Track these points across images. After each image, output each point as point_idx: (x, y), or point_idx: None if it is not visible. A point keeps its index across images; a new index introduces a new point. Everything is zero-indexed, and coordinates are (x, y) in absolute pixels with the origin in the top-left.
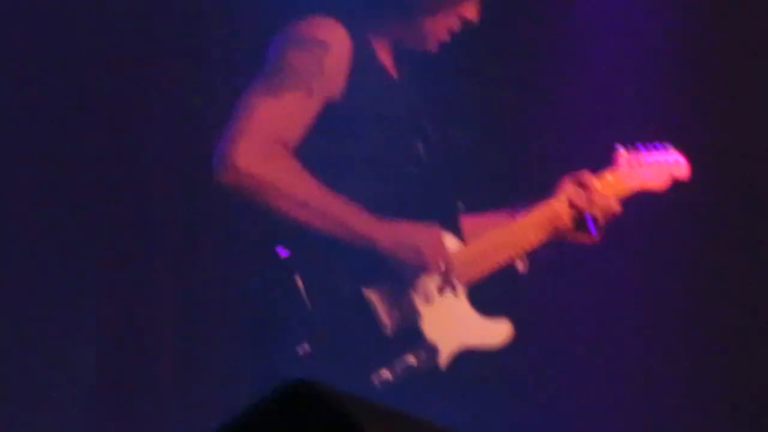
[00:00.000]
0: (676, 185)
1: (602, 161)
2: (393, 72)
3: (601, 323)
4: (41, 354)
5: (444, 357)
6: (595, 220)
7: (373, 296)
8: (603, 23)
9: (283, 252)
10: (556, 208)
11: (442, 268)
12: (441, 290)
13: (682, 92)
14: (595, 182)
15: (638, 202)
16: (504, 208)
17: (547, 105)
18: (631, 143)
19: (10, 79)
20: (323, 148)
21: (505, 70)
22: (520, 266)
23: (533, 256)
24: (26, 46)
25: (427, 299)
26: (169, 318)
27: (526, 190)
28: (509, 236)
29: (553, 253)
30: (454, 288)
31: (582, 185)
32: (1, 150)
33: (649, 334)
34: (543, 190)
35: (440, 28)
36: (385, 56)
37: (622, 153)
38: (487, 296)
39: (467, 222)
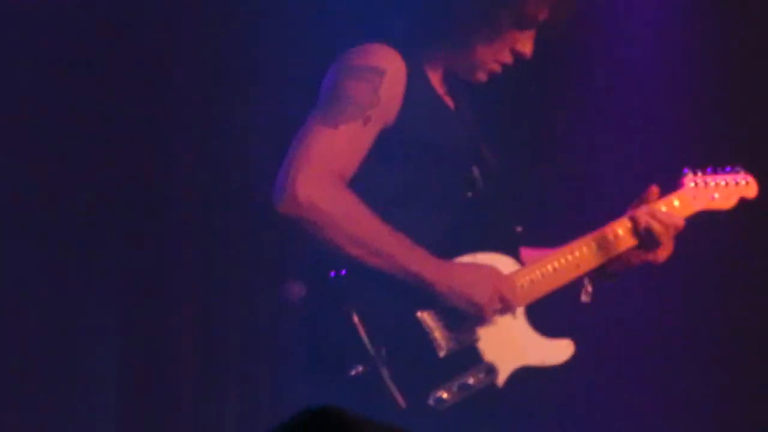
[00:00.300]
0: (744, 203)
1: (669, 186)
2: (446, 99)
3: (663, 348)
4: (65, 363)
5: (502, 376)
6: (656, 236)
7: (428, 319)
8: (658, 44)
9: (335, 273)
10: (617, 227)
11: (498, 312)
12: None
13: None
14: (660, 204)
15: (703, 220)
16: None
17: (610, 130)
18: (700, 167)
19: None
20: (378, 176)
21: (559, 99)
22: (584, 297)
23: (597, 282)
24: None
25: (485, 321)
26: (235, 343)
27: (589, 217)
28: (569, 258)
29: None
30: (513, 311)
31: (646, 202)
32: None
33: (712, 361)
34: (607, 216)
35: (493, 59)
36: (437, 84)
37: (689, 176)
38: (548, 317)
39: (526, 254)
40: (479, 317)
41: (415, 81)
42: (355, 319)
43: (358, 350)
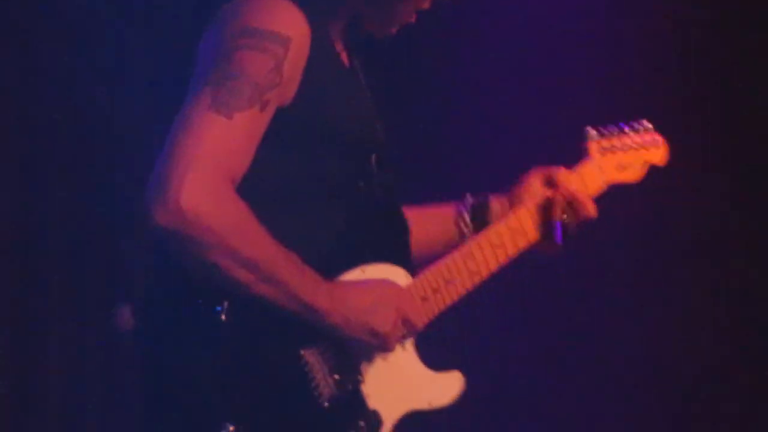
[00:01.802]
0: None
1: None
2: (344, 61)
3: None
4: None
5: (387, 427)
6: (565, 227)
7: (312, 358)
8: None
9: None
10: (521, 219)
11: (402, 339)
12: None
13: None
14: (567, 180)
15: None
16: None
17: (507, 99)
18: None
19: None
20: (261, 167)
21: (452, 63)
22: None
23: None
24: None
25: (372, 357)
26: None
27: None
28: (467, 262)
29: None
30: (416, 335)
31: (553, 185)
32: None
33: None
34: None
35: (414, 7)
36: (339, 44)
37: (594, 139)
38: (436, 343)
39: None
40: (381, 348)
41: (319, 49)
42: (228, 353)
43: (228, 405)
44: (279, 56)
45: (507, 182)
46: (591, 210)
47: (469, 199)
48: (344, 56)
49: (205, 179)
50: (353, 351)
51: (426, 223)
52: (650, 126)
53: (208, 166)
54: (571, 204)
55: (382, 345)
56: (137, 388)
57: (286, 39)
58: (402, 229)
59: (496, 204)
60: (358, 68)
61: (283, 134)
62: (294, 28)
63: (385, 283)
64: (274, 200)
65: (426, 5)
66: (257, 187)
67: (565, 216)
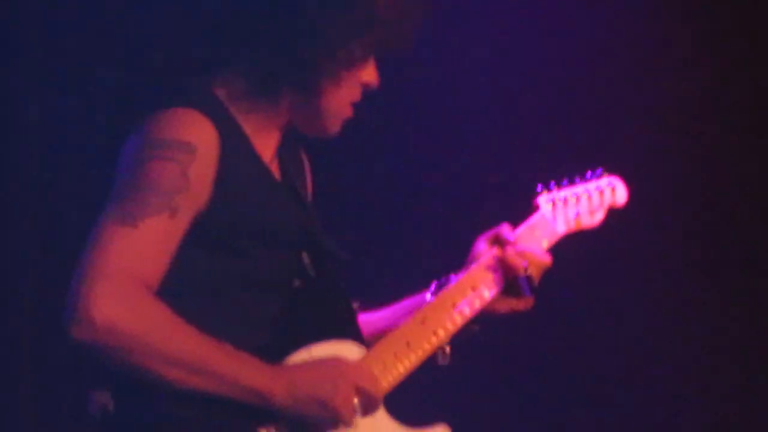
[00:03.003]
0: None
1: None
2: (273, 168)
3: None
4: None
5: None
6: (530, 279)
7: None
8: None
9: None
10: (474, 277)
11: (360, 411)
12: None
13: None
14: (514, 234)
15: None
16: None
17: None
18: (554, 180)
19: None
20: (190, 267)
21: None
22: (441, 360)
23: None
24: None
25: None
26: None
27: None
28: (423, 326)
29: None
30: (377, 405)
31: (502, 243)
32: None
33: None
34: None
35: (348, 101)
36: (265, 150)
37: (544, 194)
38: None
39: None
40: (337, 422)
41: (234, 155)
42: None
43: None
44: (184, 163)
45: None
46: (544, 258)
47: (434, 283)
48: (274, 163)
49: (113, 288)
50: (316, 426)
51: (395, 317)
52: (601, 171)
53: (115, 276)
54: (525, 256)
55: (336, 417)
56: None
57: (191, 147)
58: (349, 315)
59: (456, 279)
60: (292, 173)
61: (204, 237)
62: (201, 136)
63: (332, 359)
64: (203, 301)
65: (357, 97)
66: (184, 290)
67: (526, 267)
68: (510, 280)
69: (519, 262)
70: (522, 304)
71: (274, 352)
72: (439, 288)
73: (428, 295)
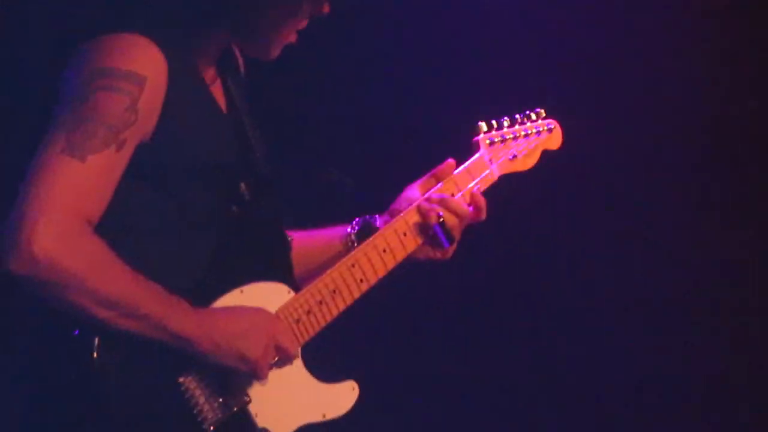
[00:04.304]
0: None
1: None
2: (216, 95)
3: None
4: None
5: None
6: (445, 229)
7: (191, 384)
8: None
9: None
10: (402, 224)
11: (274, 365)
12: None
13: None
14: (451, 185)
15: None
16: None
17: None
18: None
19: None
20: (131, 198)
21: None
22: None
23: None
24: None
25: (260, 378)
26: None
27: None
28: (349, 274)
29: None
30: (290, 360)
31: (439, 179)
32: None
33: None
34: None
35: (293, 28)
36: (209, 74)
37: (484, 132)
38: (326, 354)
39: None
40: (252, 374)
41: (180, 83)
42: (104, 390)
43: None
44: (134, 95)
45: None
46: (464, 209)
47: (357, 220)
48: (216, 86)
49: (56, 223)
50: (237, 373)
51: (312, 244)
52: (542, 112)
53: (59, 210)
54: (446, 205)
55: (252, 371)
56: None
57: (141, 78)
58: (283, 248)
59: (382, 221)
60: (235, 94)
61: (145, 168)
62: (150, 65)
63: (258, 311)
64: (141, 233)
65: (303, 25)
66: (124, 221)
67: (441, 218)
68: (429, 229)
69: (433, 211)
70: (438, 253)
71: (207, 291)
72: (364, 226)
73: (350, 232)
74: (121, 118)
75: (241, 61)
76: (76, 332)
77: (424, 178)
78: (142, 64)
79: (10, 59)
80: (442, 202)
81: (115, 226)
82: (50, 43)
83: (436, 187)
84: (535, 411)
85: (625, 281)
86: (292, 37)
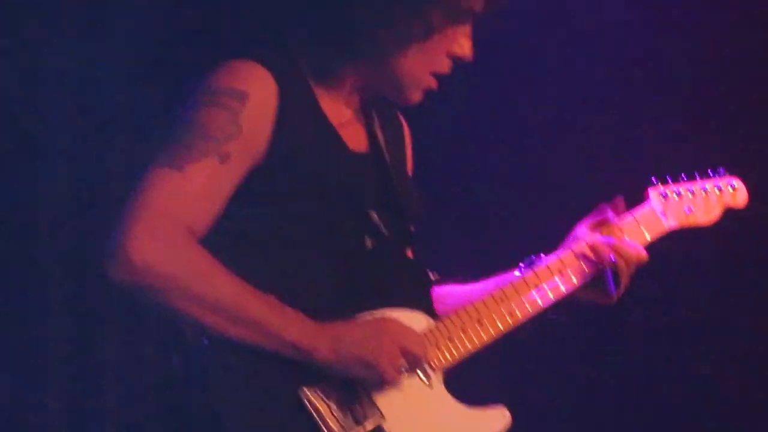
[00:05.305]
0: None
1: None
2: (352, 131)
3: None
4: None
5: None
6: (616, 274)
7: (314, 397)
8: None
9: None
10: (565, 262)
11: (403, 370)
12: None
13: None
14: (620, 229)
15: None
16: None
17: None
18: (671, 174)
19: None
20: (253, 222)
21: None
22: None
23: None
24: None
25: (390, 386)
26: None
27: (532, 246)
28: (500, 307)
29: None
30: (428, 378)
31: (602, 228)
32: None
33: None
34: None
35: (428, 70)
36: (343, 109)
37: (656, 187)
38: (474, 380)
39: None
40: (380, 381)
41: (295, 109)
42: (219, 406)
43: None
44: (234, 109)
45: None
46: (640, 254)
47: (523, 264)
48: (352, 123)
49: (153, 229)
50: (367, 388)
51: (475, 288)
52: (723, 171)
53: (156, 217)
54: (619, 249)
55: (379, 376)
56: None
57: (242, 93)
58: (422, 283)
59: (546, 260)
60: (380, 133)
61: (263, 192)
62: (254, 84)
63: (380, 318)
64: (264, 258)
65: (442, 68)
66: (243, 244)
67: (614, 261)
68: (597, 271)
69: (606, 254)
70: (603, 298)
71: (336, 314)
72: (528, 267)
73: (516, 273)
74: (221, 131)
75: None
76: (205, 342)
77: (592, 218)
78: (245, 82)
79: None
80: (615, 248)
81: (231, 249)
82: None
83: (622, 219)
84: None
85: None
86: (429, 80)
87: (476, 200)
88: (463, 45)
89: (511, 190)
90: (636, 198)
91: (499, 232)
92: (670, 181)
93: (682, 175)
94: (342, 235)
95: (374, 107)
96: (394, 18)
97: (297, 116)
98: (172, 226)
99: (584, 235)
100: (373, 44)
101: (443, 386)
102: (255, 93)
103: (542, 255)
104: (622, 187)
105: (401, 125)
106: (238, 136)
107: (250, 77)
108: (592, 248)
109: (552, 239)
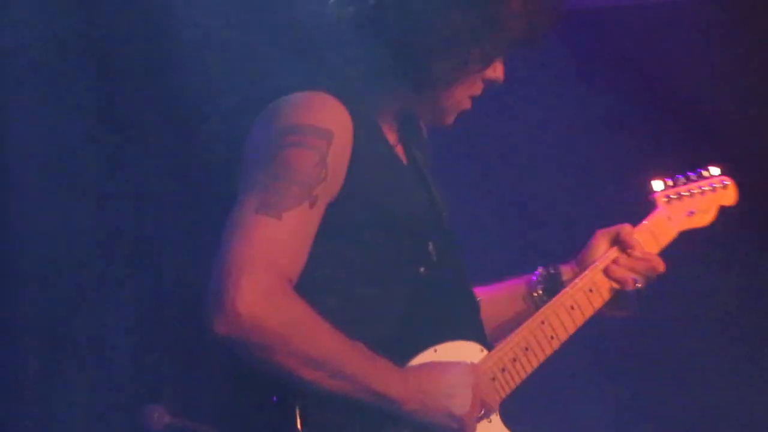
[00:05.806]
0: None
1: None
2: (399, 153)
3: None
4: None
5: None
6: (639, 293)
7: None
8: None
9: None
10: (594, 279)
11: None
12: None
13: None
14: (636, 245)
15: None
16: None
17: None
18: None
19: None
20: (320, 256)
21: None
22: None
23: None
24: None
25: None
26: None
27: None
28: (540, 330)
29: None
30: (492, 413)
31: (623, 245)
32: None
33: None
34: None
35: (467, 94)
36: (389, 134)
37: (661, 190)
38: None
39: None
40: (459, 430)
41: (365, 140)
42: None
43: None
44: (322, 150)
45: (576, 248)
46: (659, 266)
47: (540, 271)
48: (399, 148)
49: (259, 283)
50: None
51: (496, 301)
52: (716, 169)
53: (261, 269)
54: (638, 268)
55: (461, 428)
56: None
57: (328, 133)
58: (473, 308)
59: (567, 272)
60: (418, 158)
61: (334, 226)
62: (336, 122)
63: (458, 365)
64: (334, 291)
65: (477, 91)
66: (316, 279)
67: (636, 278)
68: (620, 289)
69: (629, 277)
70: (626, 313)
71: (401, 350)
72: (549, 279)
73: (536, 286)
74: (312, 174)
75: (424, 127)
76: (275, 399)
77: (609, 231)
78: (329, 120)
79: (197, 118)
80: (640, 266)
81: (310, 284)
82: (237, 104)
83: (637, 232)
84: None
85: None
86: (466, 103)
87: (489, 205)
88: (496, 68)
89: (526, 196)
90: (636, 198)
91: (513, 234)
92: (670, 182)
93: (678, 176)
94: (403, 264)
95: (406, 131)
96: (459, 51)
97: (368, 149)
98: (277, 278)
99: (605, 251)
100: (438, 76)
101: (500, 419)
102: (338, 131)
103: (560, 266)
104: (624, 187)
105: (426, 139)
106: (325, 178)
107: (330, 114)
108: (611, 271)
109: (552, 239)
